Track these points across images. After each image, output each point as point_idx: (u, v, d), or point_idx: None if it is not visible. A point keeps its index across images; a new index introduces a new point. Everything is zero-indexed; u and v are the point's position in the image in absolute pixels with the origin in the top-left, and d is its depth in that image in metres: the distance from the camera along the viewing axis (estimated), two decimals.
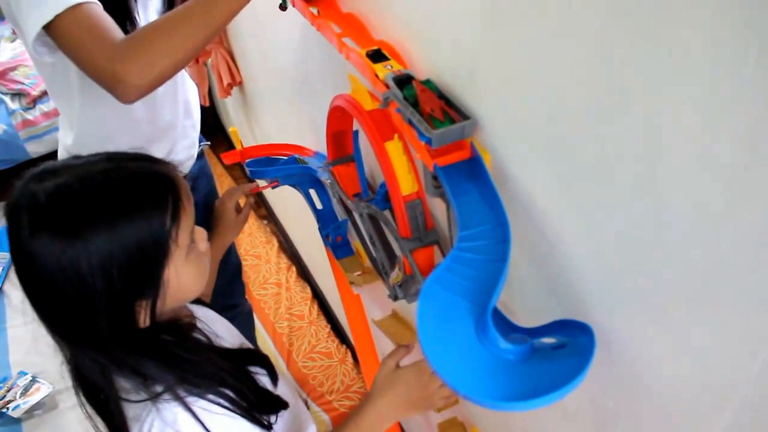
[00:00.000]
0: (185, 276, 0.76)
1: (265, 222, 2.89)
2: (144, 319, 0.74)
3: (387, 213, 0.95)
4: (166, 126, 1.28)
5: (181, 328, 0.82)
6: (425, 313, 0.63)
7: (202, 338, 0.83)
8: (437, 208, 0.88)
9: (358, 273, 1.34)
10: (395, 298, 0.98)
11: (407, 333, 1.28)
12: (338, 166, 1.14)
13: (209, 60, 2.41)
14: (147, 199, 0.72)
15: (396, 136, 0.82)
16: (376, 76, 0.77)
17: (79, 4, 0.87)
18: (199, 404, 0.75)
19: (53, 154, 1.21)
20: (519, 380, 0.58)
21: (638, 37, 0.45)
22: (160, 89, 0.90)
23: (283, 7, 1.03)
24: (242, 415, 0.78)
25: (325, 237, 1.39)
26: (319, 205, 1.39)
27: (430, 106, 0.69)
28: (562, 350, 0.61)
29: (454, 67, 0.72)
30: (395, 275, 0.99)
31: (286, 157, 1.40)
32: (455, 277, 0.65)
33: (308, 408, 1.61)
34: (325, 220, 1.38)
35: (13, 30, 3.17)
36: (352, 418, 0.89)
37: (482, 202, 0.69)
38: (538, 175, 0.65)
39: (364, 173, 1.06)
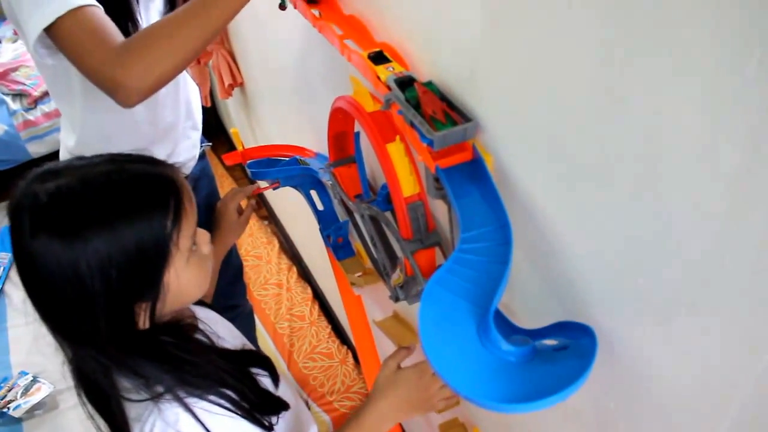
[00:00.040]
0: (186, 279, 0.76)
1: (266, 222, 2.90)
2: (144, 321, 0.74)
3: (388, 214, 0.95)
4: (168, 127, 1.28)
5: (183, 329, 0.82)
6: (427, 314, 0.63)
7: (204, 339, 0.83)
8: (438, 209, 0.88)
9: (359, 274, 1.34)
10: (396, 299, 0.98)
11: (408, 334, 1.28)
12: (339, 167, 1.14)
13: (210, 61, 2.42)
14: (148, 201, 0.72)
15: (397, 137, 0.82)
16: (378, 77, 0.77)
17: (81, 7, 0.87)
18: (200, 405, 0.75)
19: (54, 155, 1.21)
20: (521, 382, 0.58)
21: (638, 36, 0.45)
22: (162, 90, 0.91)
23: (282, 6, 1.03)
24: (243, 416, 0.78)
25: (326, 238, 1.39)
26: (320, 206, 1.39)
27: (431, 108, 0.69)
28: (563, 352, 0.61)
29: (455, 69, 0.72)
30: (396, 276, 0.99)
31: (287, 159, 1.40)
32: (457, 278, 0.65)
33: (309, 408, 1.61)
34: (326, 221, 1.39)
35: (15, 30, 3.16)
36: (353, 419, 0.89)
37: (484, 203, 0.69)
38: (540, 177, 0.65)
39: (365, 174, 1.06)
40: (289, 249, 2.74)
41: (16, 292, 2.45)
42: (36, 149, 2.93)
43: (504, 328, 0.65)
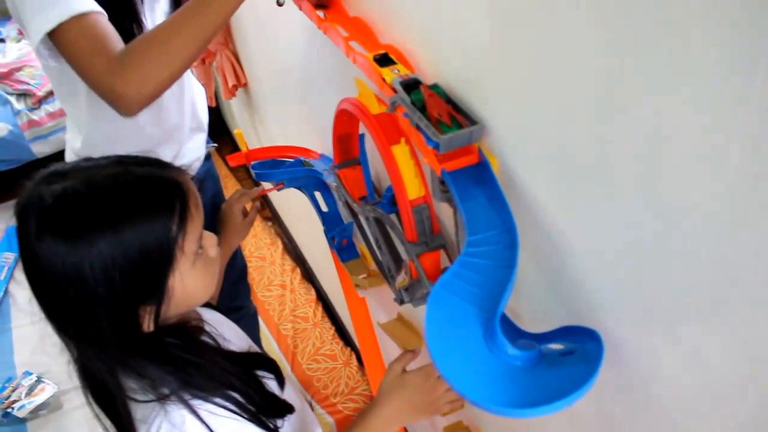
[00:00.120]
0: (192, 283, 0.76)
1: (270, 224, 2.90)
2: (148, 324, 0.74)
3: (393, 216, 0.95)
4: (173, 128, 1.28)
5: (188, 331, 0.82)
6: (433, 318, 0.62)
7: (210, 341, 0.83)
8: (443, 212, 0.88)
9: (364, 276, 1.34)
10: (401, 301, 0.98)
11: (413, 336, 1.28)
12: (344, 169, 1.14)
13: (215, 61, 2.42)
14: (153, 205, 0.72)
15: (403, 140, 0.82)
16: (383, 80, 0.77)
17: (83, 14, 0.87)
18: (205, 407, 0.75)
19: (58, 155, 1.21)
20: (527, 387, 0.57)
21: (645, 39, 0.45)
22: (166, 92, 0.91)
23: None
24: (249, 419, 0.78)
25: (330, 239, 1.39)
26: (324, 208, 1.39)
27: (437, 110, 0.69)
28: (570, 357, 0.61)
29: (461, 71, 0.72)
30: (401, 279, 0.99)
31: (291, 160, 1.40)
32: (463, 282, 0.65)
33: (312, 410, 1.61)
34: (330, 222, 1.39)
35: (19, 30, 3.17)
36: (358, 422, 0.89)
37: (490, 207, 0.69)
38: (546, 180, 0.64)
39: (370, 177, 1.06)
40: (292, 250, 2.74)
41: (20, 292, 2.46)
42: (40, 149, 2.93)
43: (510, 332, 0.64)
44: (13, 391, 2.08)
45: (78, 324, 0.71)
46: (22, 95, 2.94)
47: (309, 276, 2.59)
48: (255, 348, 0.98)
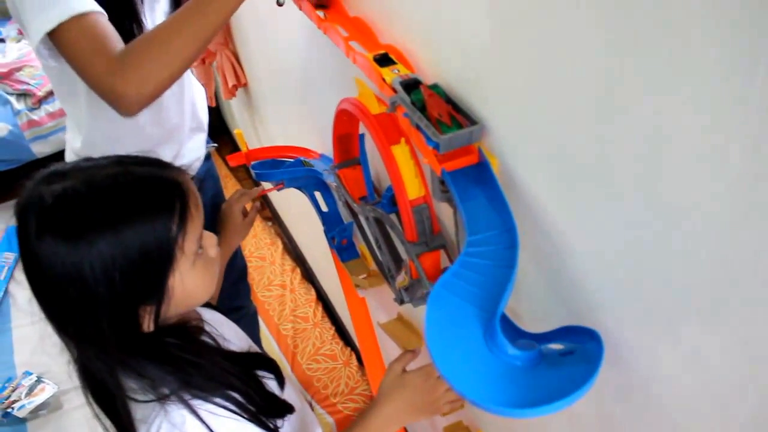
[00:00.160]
0: (192, 283, 0.76)
1: (270, 223, 2.90)
2: (148, 324, 0.74)
3: (393, 216, 0.95)
4: (173, 128, 1.28)
5: (188, 331, 0.82)
6: (433, 318, 0.62)
7: (210, 341, 0.83)
8: (443, 212, 0.88)
9: (364, 276, 1.34)
10: (401, 301, 0.98)
11: (413, 336, 1.28)
12: (344, 169, 1.14)
13: (215, 61, 2.42)
14: (152, 205, 0.72)
15: (403, 140, 0.82)
16: (383, 80, 0.77)
17: (84, 14, 0.87)
18: (205, 407, 0.75)
19: (58, 155, 1.21)
20: (527, 387, 0.57)
21: (645, 39, 0.45)
22: (166, 92, 0.91)
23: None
24: (249, 419, 0.78)
25: (330, 239, 1.39)
26: (324, 208, 1.39)
27: (437, 110, 0.69)
28: (570, 357, 0.61)
29: (461, 71, 0.72)
30: (401, 279, 0.99)
31: (291, 160, 1.40)
32: (463, 282, 0.65)
33: (312, 410, 1.61)
34: (330, 222, 1.39)
35: (19, 30, 3.16)
36: (358, 422, 0.89)
37: (490, 207, 0.69)
38: (546, 180, 0.64)
39: (370, 177, 1.06)
40: (292, 250, 2.74)
41: (20, 292, 2.46)
42: (40, 149, 2.93)
43: (510, 332, 0.64)
44: (13, 391, 2.08)
45: (78, 324, 0.71)
46: (22, 95, 2.94)
47: (309, 276, 2.59)
48: (255, 348, 0.98)
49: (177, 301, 0.74)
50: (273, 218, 2.95)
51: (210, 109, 1.47)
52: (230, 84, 2.35)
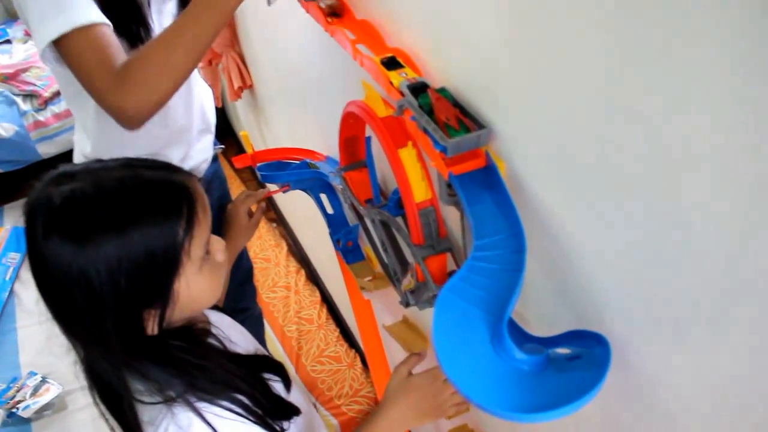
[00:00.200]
0: (198, 288, 0.76)
1: (275, 225, 2.90)
2: (152, 328, 0.74)
3: (399, 219, 0.95)
4: (181, 130, 1.28)
5: (194, 333, 0.82)
6: (441, 322, 0.62)
7: (216, 344, 0.83)
8: (450, 215, 0.88)
9: (369, 278, 1.34)
10: (407, 304, 0.98)
11: (418, 339, 1.28)
12: (350, 171, 1.14)
13: (221, 63, 2.42)
14: (160, 208, 0.72)
15: (409, 143, 0.82)
16: (391, 83, 0.77)
17: (87, 26, 0.87)
18: (211, 410, 0.75)
19: (64, 155, 1.21)
20: (534, 391, 0.57)
21: (657, 48, 0.45)
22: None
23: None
24: (255, 422, 0.78)
25: (335, 242, 1.39)
26: (330, 210, 1.39)
27: (445, 114, 0.69)
28: (577, 361, 0.61)
29: (469, 75, 0.72)
30: (407, 282, 0.98)
31: (297, 162, 1.40)
32: (470, 286, 0.65)
33: (316, 411, 1.61)
34: (336, 224, 1.39)
35: (26, 31, 3.17)
36: (364, 425, 0.89)
37: (497, 211, 0.69)
38: (554, 184, 0.64)
39: (376, 179, 1.06)
40: (297, 252, 2.74)
41: (25, 292, 2.46)
42: (46, 150, 2.94)
43: (517, 336, 0.64)
44: (18, 391, 2.08)
45: (84, 324, 0.72)
46: (29, 96, 2.95)
47: (314, 278, 2.59)
48: (262, 350, 0.98)
49: (182, 305, 0.74)
50: (278, 220, 2.96)
51: (216, 110, 1.47)
52: (236, 86, 2.35)
